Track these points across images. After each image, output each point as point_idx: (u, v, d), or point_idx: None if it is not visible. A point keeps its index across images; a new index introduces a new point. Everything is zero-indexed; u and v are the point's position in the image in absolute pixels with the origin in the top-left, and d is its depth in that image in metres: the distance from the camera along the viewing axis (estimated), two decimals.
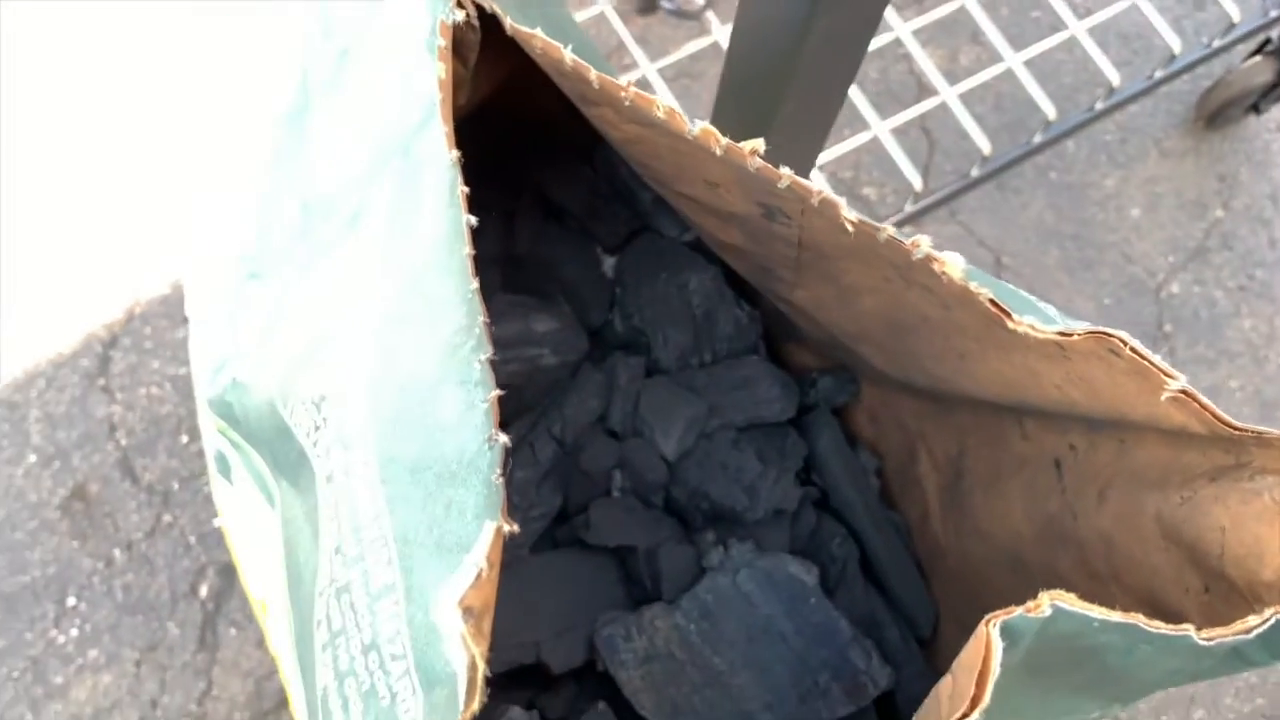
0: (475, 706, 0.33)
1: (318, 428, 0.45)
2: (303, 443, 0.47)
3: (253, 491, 0.61)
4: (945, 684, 0.45)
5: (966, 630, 0.69)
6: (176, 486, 1.53)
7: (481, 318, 0.39)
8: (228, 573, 1.50)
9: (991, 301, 0.44)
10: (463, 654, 0.34)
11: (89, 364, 1.58)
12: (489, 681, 0.72)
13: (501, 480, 0.36)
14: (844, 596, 0.80)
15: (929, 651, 0.84)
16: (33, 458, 1.52)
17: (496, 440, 0.36)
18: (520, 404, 0.79)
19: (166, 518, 1.50)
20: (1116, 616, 0.40)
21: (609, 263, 0.85)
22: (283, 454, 0.51)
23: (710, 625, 0.75)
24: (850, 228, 0.45)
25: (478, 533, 0.35)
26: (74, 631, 1.44)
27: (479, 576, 0.34)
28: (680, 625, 0.75)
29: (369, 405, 0.42)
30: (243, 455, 0.60)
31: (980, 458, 0.76)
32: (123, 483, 1.52)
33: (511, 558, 0.75)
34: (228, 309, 0.58)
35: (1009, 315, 0.44)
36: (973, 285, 0.44)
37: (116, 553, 1.49)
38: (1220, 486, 0.54)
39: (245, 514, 0.65)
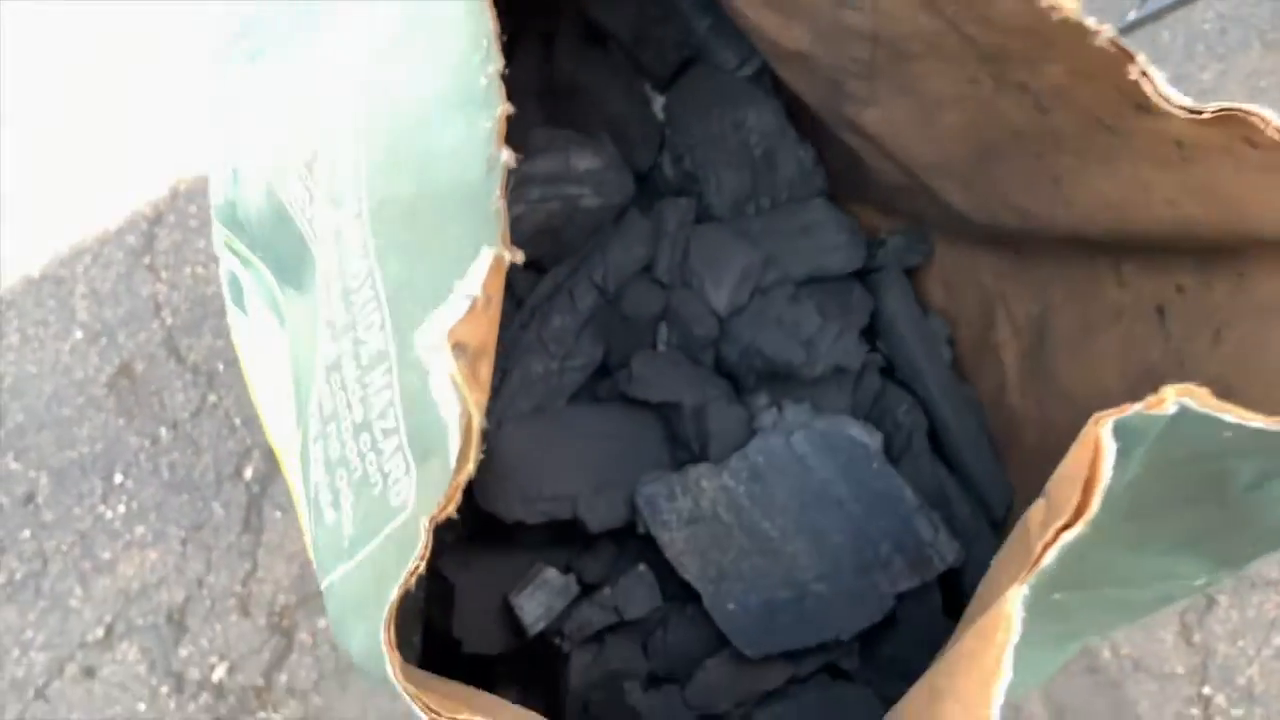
0: (470, 467, 0.27)
1: (311, 198, 0.39)
2: (300, 224, 0.41)
3: (266, 315, 0.56)
4: (1037, 508, 0.38)
5: None
6: (222, 368, 1.51)
7: (491, 26, 0.32)
8: (273, 457, 1.48)
9: (1113, 44, 0.36)
10: (454, 402, 0.28)
11: (134, 241, 1.55)
12: (523, 528, 0.67)
13: (503, 205, 0.30)
14: (908, 468, 0.74)
15: (1000, 536, 0.77)
16: (79, 334, 1.51)
17: (498, 160, 0.30)
18: (559, 247, 0.73)
19: (212, 398, 1.48)
20: (1257, 420, 0.33)
21: (659, 102, 0.78)
22: (286, 251, 0.46)
23: (761, 488, 0.69)
24: None
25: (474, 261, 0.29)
26: (121, 508, 1.43)
27: (473, 307, 0.28)
28: (728, 486, 0.69)
29: (361, 149, 0.36)
30: (253, 272, 0.55)
31: (1067, 314, 0.68)
32: (168, 362, 1.51)
33: (548, 407, 0.70)
34: (232, 99, 0.53)
35: (1132, 57, 0.36)
36: (1089, 21, 0.36)
37: (163, 431, 1.47)
38: None
39: (260, 344, 0.61)
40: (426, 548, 0.30)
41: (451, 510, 0.30)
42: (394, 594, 0.31)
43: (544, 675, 0.71)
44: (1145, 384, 0.59)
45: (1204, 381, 0.54)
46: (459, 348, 0.28)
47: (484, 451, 0.65)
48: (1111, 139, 0.48)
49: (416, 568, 0.29)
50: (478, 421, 0.28)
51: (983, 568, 0.75)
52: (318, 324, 0.40)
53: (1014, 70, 0.48)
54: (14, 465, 1.47)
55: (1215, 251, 0.53)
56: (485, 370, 0.29)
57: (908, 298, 0.76)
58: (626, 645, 0.71)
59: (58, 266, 1.56)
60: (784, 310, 0.72)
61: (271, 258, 0.50)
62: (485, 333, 0.29)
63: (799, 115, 0.76)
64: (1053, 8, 0.39)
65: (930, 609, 0.73)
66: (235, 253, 0.56)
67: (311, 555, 0.43)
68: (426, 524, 0.30)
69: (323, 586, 0.40)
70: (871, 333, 0.78)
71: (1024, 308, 0.73)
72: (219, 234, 0.58)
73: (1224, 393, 0.53)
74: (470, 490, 0.68)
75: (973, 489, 0.77)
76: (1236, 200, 0.45)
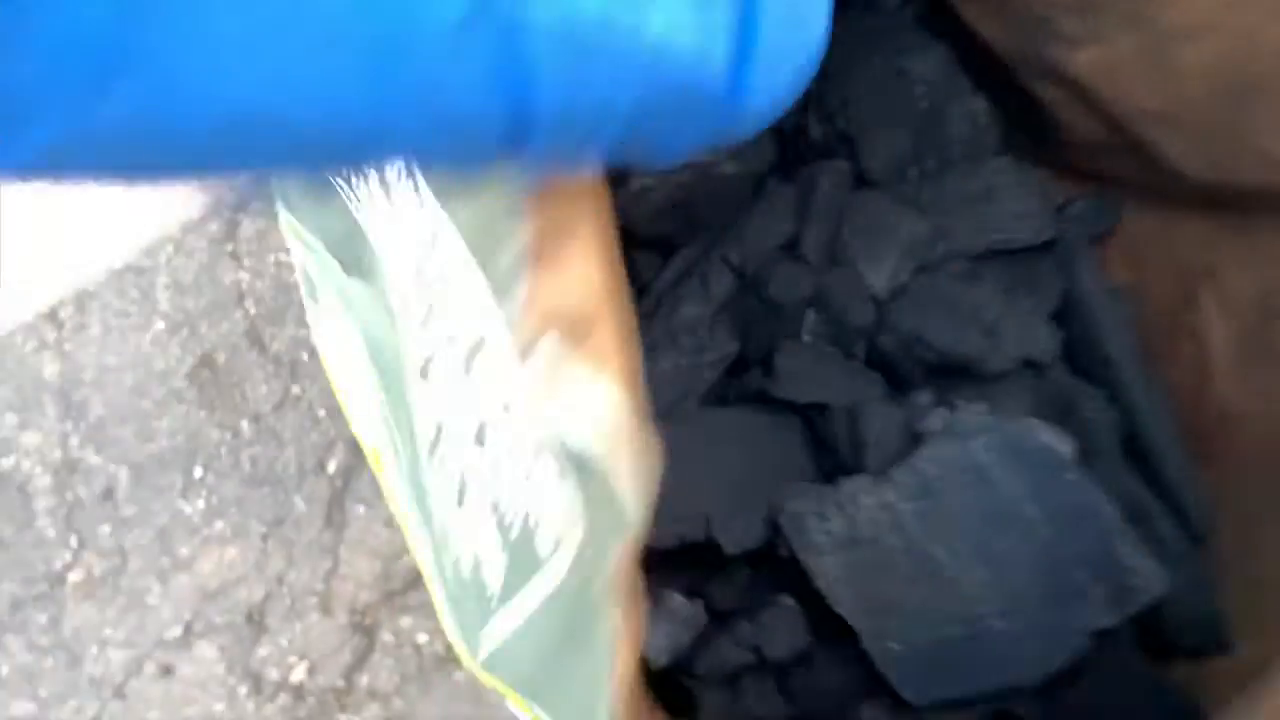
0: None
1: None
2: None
3: (335, 302, 0.48)
4: None
5: (1261, 529, 0.56)
6: (305, 357, 1.45)
7: None
8: (357, 450, 1.42)
9: None
10: None
11: (217, 229, 1.50)
12: (655, 558, 0.58)
13: None
14: (1099, 477, 0.62)
15: (1199, 551, 0.65)
16: (160, 324, 1.47)
17: None
18: (690, 223, 0.63)
19: (295, 389, 1.43)
20: None
21: None
22: (342, 234, 0.37)
23: (932, 505, 0.58)
24: None
25: None
26: (201, 503, 1.38)
27: None
28: (892, 503, 0.58)
29: None
30: (317, 257, 0.46)
31: None
32: (250, 352, 1.45)
33: (677, 409, 0.60)
34: None
35: None
36: None
37: (244, 424, 1.42)
38: None
39: (335, 334, 0.52)
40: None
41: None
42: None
43: (668, 718, 0.62)
44: None
45: None
46: None
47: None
48: None
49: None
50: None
51: (1184, 598, 0.64)
52: (394, 315, 0.31)
53: None
54: (94, 459, 1.43)
55: None
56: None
57: (1097, 273, 0.65)
58: (766, 687, 0.61)
59: (140, 256, 1.52)
60: (958, 291, 0.61)
61: (332, 241, 0.42)
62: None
63: (968, 62, 0.64)
64: None
65: (1125, 648, 0.62)
66: (302, 240, 0.48)
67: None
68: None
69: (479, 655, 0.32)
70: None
71: (1241, 283, 0.61)
72: (284, 216, 0.50)
73: None
74: None
75: (1171, 500, 0.65)
76: None
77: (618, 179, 0.61)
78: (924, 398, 0.63)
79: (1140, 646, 0.64)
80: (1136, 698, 0.61)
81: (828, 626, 0.61)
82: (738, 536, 0.59)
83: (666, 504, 0.57)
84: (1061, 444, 0.58)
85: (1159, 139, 0.54)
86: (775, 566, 0.62)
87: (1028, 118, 0.62)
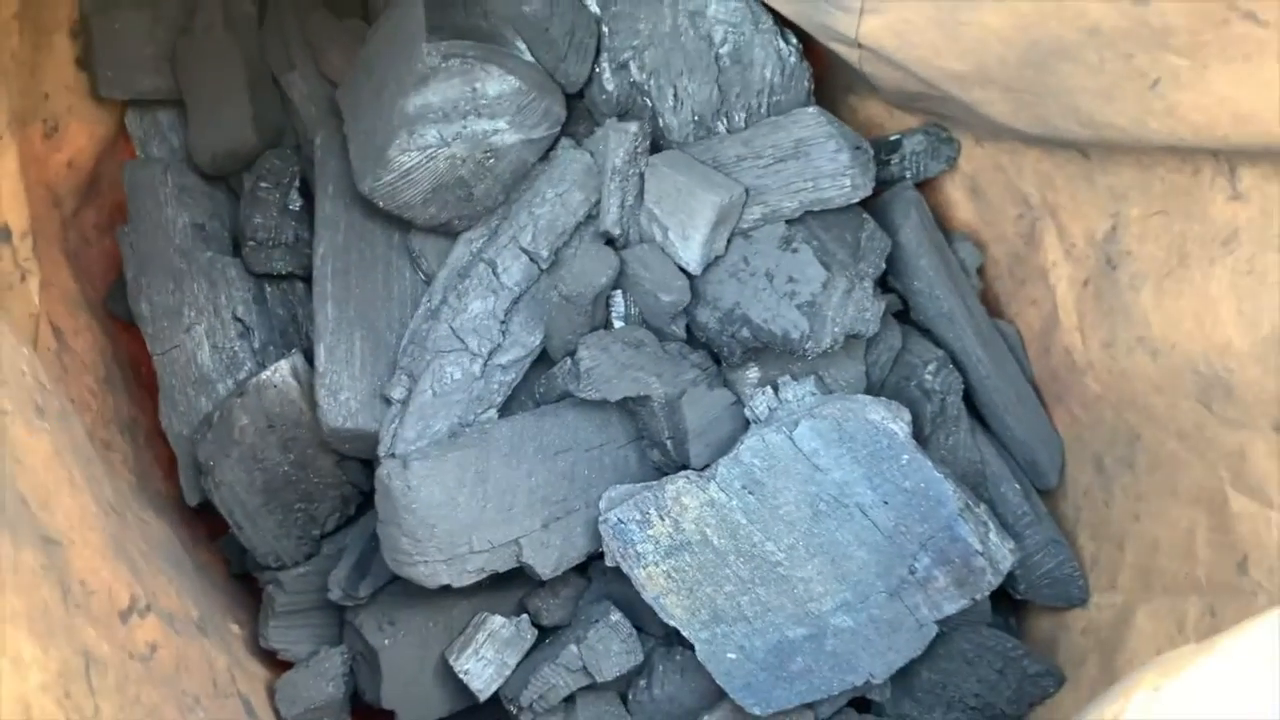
0: None
1: None
2: None
3: None
4: None
5: (1108, 478, 0.52)
6: None
7: None
8: None
9: None
10: None
11: None
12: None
13: None
14: (944, 445, 0.58)
15: (1049, 502, 0.62)
16: None
17: None
18: (471, 204, 0.55)
19: None
20: None
21: None
22: None
23: (759, 499, 0.53)
24: None
25: None
26: None
27: None
28: (718, 501, 0.53)
29: None
30: None
31: (1150, 235, 0.52)
32: None
33: (472, 422, 0.53)
34: None
35: None
36: None
37: None
38: None
39: None
40: None
41: None
42: None
43: None
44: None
45: None
46: None
47: (388, 503, 0.48)
48: (1255, 30, 0.31)
49: None
50: None
51: (1039, 560, 0.61)
52: None
53: None
54: None
55: None
56: None
57: (929, 224, 0.59)
58: (604, 704, 0.56)
59: None
60: (775, 260, 0.55)
61: None
62: None
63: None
64: None
65: (978, 619, 0.58)
66: None
67: None
68: None
69: None
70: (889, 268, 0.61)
71: (1084, 224, 0.57)
72: None
73: None
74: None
75: (1017, 455, 0.61)
76: None
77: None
78: (750, 374, 0.57)
79: (998, 604, 0.61)
80: (993, 666, 0.58)
81: (663, 632, 0.56)
82: (555, 557, 0.54)
83: (466, 539, 0.51)
84: (895, 420, 0.53)
85: (978, 99, 0.49)
86: (606, 573, 0.57)
87: (839, 61, 0.55)
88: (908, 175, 0.60)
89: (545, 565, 0.53)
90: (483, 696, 0.55)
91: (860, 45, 0.50)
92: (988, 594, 0.55)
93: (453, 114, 0.53)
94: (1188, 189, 0.48)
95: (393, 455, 0.50)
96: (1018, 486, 0.59)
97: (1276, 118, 0.37)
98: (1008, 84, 0.46)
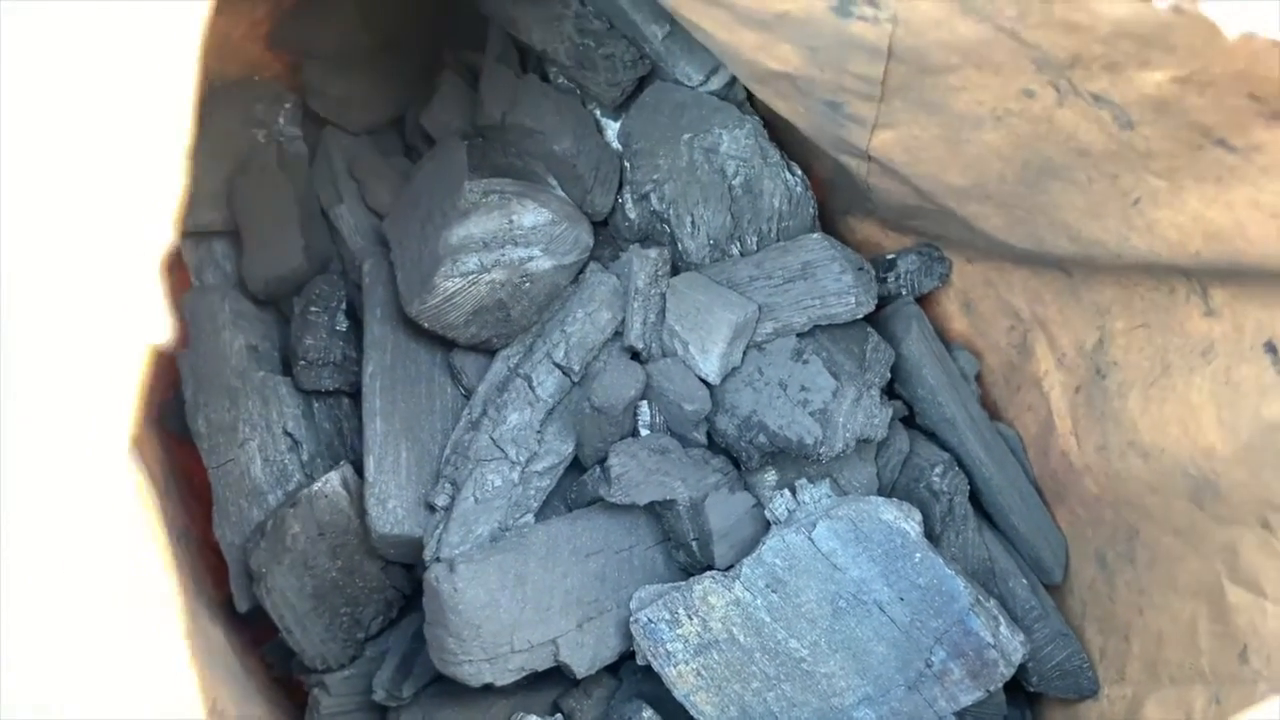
0: None
1: None
2: None
3: None
4: None
5: (1111, 573, 0.55)
6: None
7: None
8: None
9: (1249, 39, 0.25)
10: None
11: None
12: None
13: None
14: (953, 544, 0.61)
15: (1056, 598, 0.65)
16: None
17: None
18: (508, 324, 0.60)
19: None
20: None
21: (613, 129, 0.65)
22: None
23: (782, 598, 0.56)
24: None
25: None
26: None
27: None
28: (743, 600, 0.56)
29: None
30: None
31: (1134, 346, 0.56)
32: None
33: (512, 526, 0.57)
34: None
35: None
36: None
37: None
38: None
39: None
40: None
41: None
42: None
43: None
44: (1265, 446, 0.47)
45: None
46: None
47: (435, 604, 0.52)
48: (1226, 157, 0.36)
49: None
50: None
51: (1048, 652, 0.64)
52: None
53: (1090, 80, 0.35)
54: None
55: None
56: None
57: (929, 336, 0.64)
58: None
59: None
60: (788, 371, 0.59)
61: None
62: None
63: (780, 129, 0.63)
64: (1176, 6, 0.27)
65: (994, 713, 0.61)
66: None
67: None
68: None
69: None
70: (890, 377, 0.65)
71: (1073, 336, 0.61)
72: None
73: None
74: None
75: (1024, 552, 0.64)
76: None
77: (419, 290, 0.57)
78: (769, 477, 0.61)
79: (1014, 697, 0.63)
80: None
81: None
82: (590, 656, 0.56)
83: (508, 639, 0.54)
84: (907, 520, 0.57)
85: (971, 213, 0.54)
86: (637, 672, 0.60)
87: (842, 180, 0.60)
88: (904, 292, 0.65)
89: (581, 664, 0.55)
90: None
91: (870, 158, 0.54)
92: (1001, 686, 0.58)
93: (492, 243, 0.58)
94: (1166, 306, 0.52)
95: (438, 559, 0.54)
96: (1025, 582, 0.62)
97: (1242, 236, 0.41)
98: (1003, 200, 0.50)
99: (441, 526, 0.56)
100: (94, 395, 0.27)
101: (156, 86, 0.26)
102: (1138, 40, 0.32)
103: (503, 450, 0.57)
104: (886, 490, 0.62)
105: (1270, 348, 0.46)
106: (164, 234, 0.26)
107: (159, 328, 0.27)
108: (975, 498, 0.64)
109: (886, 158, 0.51)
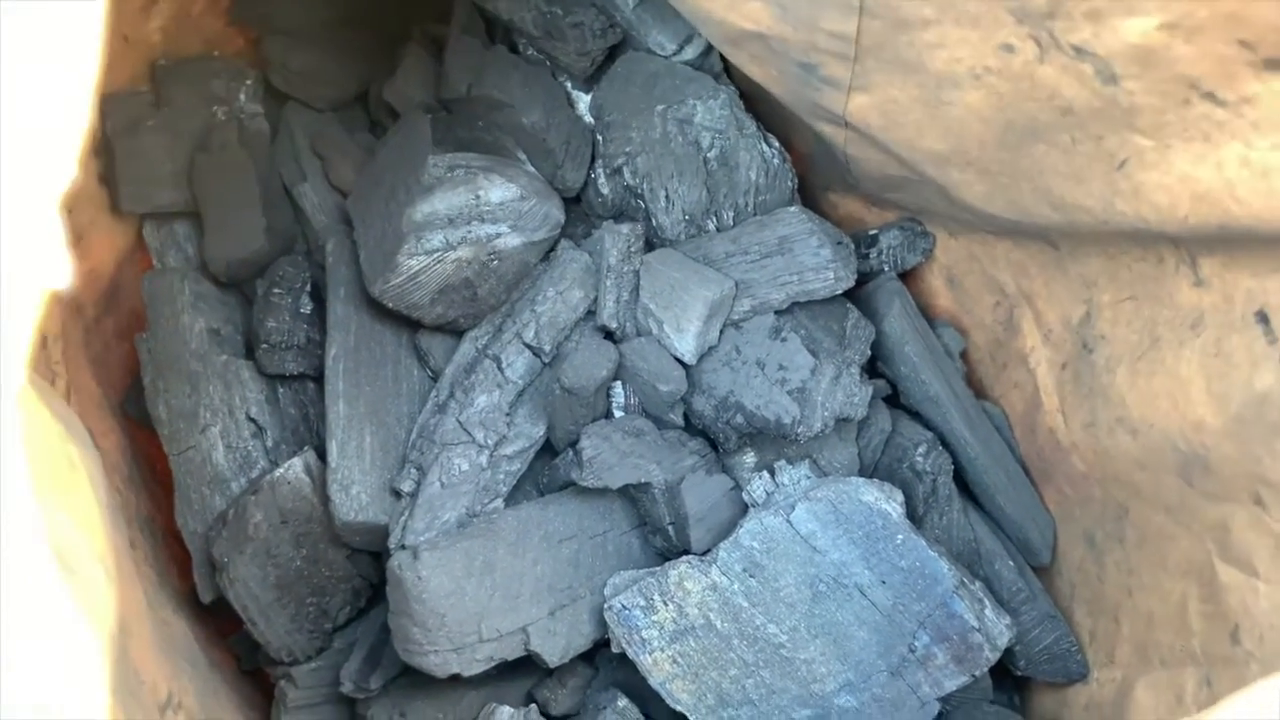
0: None
1: None
2: None
3: None
4: None
5: (1100, 553, 0.54)
6: None
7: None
8: None
9: None
10: None
11: None
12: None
13: None
14: (937, 525, 0.60)
15: (1044, 579, 0.63)
16: None
17: None
18: (476, 304, 0.58)
19: None
20: None
21: (585, 101, 0.63)
22: None
23: (760, 583, 0.54)
24: None
25: None
26: None
27: None
28: (720, 585, 0.54)
29: None
30: None
31: (1120, 319, 0.54)
32: None
33: (480, 512, 0.55)
34: None
35: None
36: None
37: None
38: None
39: None
40: None
41: None
42: None
43: None
44: (1256, 416, 0.45)
45: None
46: None
47: (399, 593, 0.50)
48: (1215, 111, 0.34)
49: None
50: None
51: (1036, 634, 0.62)
52: None
53: (1072, 30, 0.33)
54: None
55: None
56: None
57: (912, 312, 0.62)
58: None
59: None
60: (766, 350, 0.57)
61: None
62: None
63: (757, 101, 0.61)
64: None
65: (980, 697, 0.59)
66: None
67: None
68: None
69: None
70: (871, 355, 0.63)
71: (1059, 311, 0.59)
72: None
73: None
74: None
75: (1011, 533, 0.63)
76: None
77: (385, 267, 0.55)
78: (748, 458, 0.60)
79: (1002, 681, 0.62)
80: None
81: (671, 717, 0.57)
82: (562, 645, 0.55)
83: (475, 628, 0.52)
84: (889, 501, 0.55)
85: (952, 181, 0.52)
86: (613, 660, 0.58)
87: (821, 151, 0.58)
88: (886, 267, 0.64)
89: (553, 653, 0.54)
90: None
91: (847, 124, 0.53)
92: (986, 670, 0.56)
93: (458, 220, 0.56)
94: (1155, 276, 0.51)
95: (403, 547, 0.52)
96: (1011, 564, 0.61)
97: (1231, 196, 0.39)
98: (985, 166, 0.49)
99: (407, 513, 0.54)
100: None
101: (61, 15, 0.24)
102: None
103: (470, 434, 0.55)
104: (869, 471, 0.61)
105: (1261, 317, 0.44)
106: (65, 171, 0.24)
107: (58, 271, 0.24)
108: (960, 478, 0.63)
109: (864, 123, 0.49)
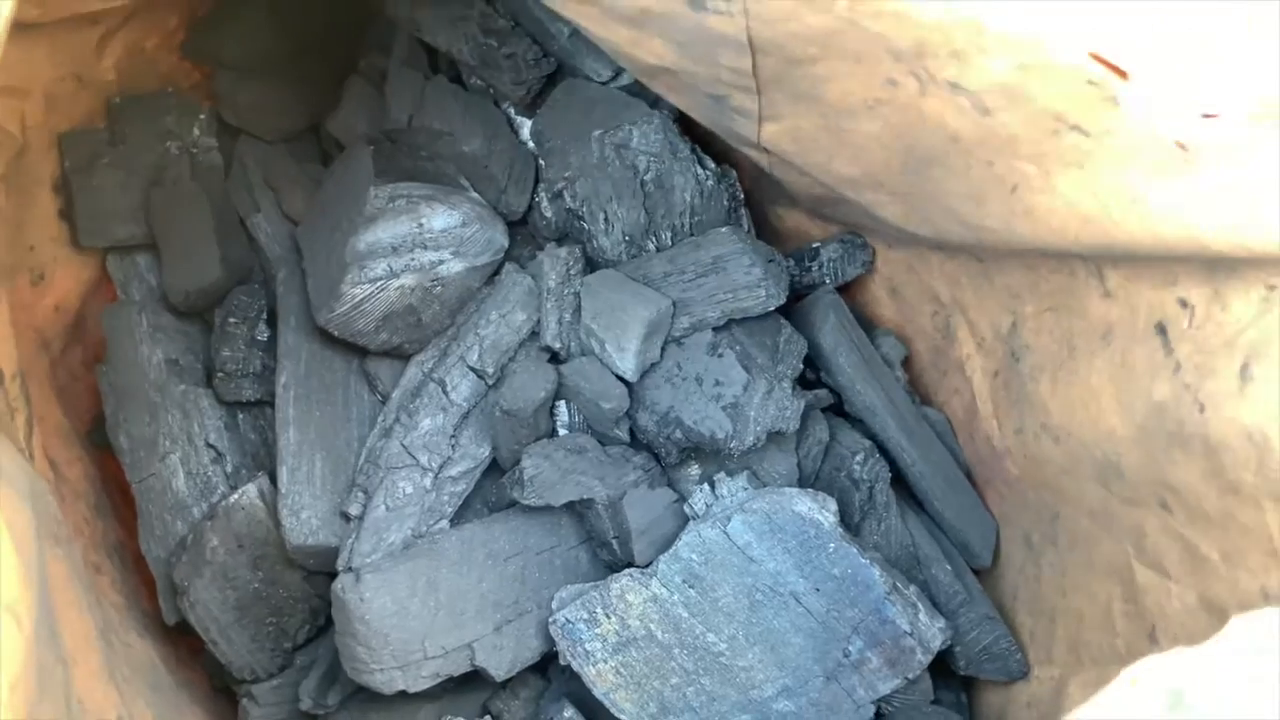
0: None
1: None
2: None
3: None
4: None
5: (1037, 555, 0.55)
6: None
7: None
8: None
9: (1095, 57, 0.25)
10: None
11: None
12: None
13: None
14: (874, 532, 0.61)
15: (988, 581, 0.65)
16: None
17: None
18: (420, 329, 0.60)
19: None
20: None
21: (527, 127, 0.64)
22: None
23: (700, 593, 0.56)
24: None
25: None
26: None
27: None
28: (660, 597, 0.56)
29: None
30: None
31: (1043, 329, 0.56)
32: None
33: (425, 534, 0.57)
34: None
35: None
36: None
37: None
38: None
39: None
40: None
41: None
42: None
43: None
44: (1156, 426, 0.47)
45: (1234, 433, 0.43)
46: None
47: (343, 615, 0.52)
48: (1083, 141, 0.35)
49: None
50: None
51: (976, 635, 0.64)
52: None
53: (941, 68, 0.35)
54: None
55: (1232, 260, 0.40)
56: None
57: (847, 324, 0.64)
58: None
59: None
60: (704, 366, 0.59)
61: None
62: None
63: (695, 123, 0.62)
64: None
65: (920, 699, 0.61)
66: None
67: None
68: None
69: None
70: (814, 367, 0.65)
71: (989, 320, 0.61)
72: None
73: (1262, 454, 0.41)
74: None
75: (952, 536, 0.64)
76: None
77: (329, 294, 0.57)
78: (691, 471, 0.61)
79: (950, 681, 0.63)
80: None
81: None
82: (509, 658, 0.57)
83: (420, 645, 0.54)
84: (821, 511, 0.57)
85: (869, 201, 0.53)
86: (565, 671, 0.60)
87: (758, 172, 0.60)
88: (828, 280, 0.65)
89: (499, 667, 0.56)
90: None
91: (765, 150, 0.55)
92: (924, 672, 0.58)
93: (401, 248, 0.58)
94: (1069, 289, 0.52)
95: (349, 569, 0.54)
96: (949, 567, 0.62)
97: (1109, 220, 0.41)
98: (894, 188, 0.50)
99: (354, 536, 0.56)
100: None
101: None
102: (967, 29, 0.32)
103: (414, 457, 0.57)
104: (809, 480, 0.62)
105: (1160, 329, 0.46)
106: None
107: None
108: (902, 484, 0.64)
109: (779, 149, 0.51)
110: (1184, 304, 0.45)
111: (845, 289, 0.68)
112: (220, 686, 0.66)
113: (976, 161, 0.43)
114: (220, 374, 0.63)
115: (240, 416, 0.64)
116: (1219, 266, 0.42)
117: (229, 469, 0.62)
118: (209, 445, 0.62)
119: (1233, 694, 0.27)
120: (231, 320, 0.64)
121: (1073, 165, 0.39)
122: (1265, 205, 0.35)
